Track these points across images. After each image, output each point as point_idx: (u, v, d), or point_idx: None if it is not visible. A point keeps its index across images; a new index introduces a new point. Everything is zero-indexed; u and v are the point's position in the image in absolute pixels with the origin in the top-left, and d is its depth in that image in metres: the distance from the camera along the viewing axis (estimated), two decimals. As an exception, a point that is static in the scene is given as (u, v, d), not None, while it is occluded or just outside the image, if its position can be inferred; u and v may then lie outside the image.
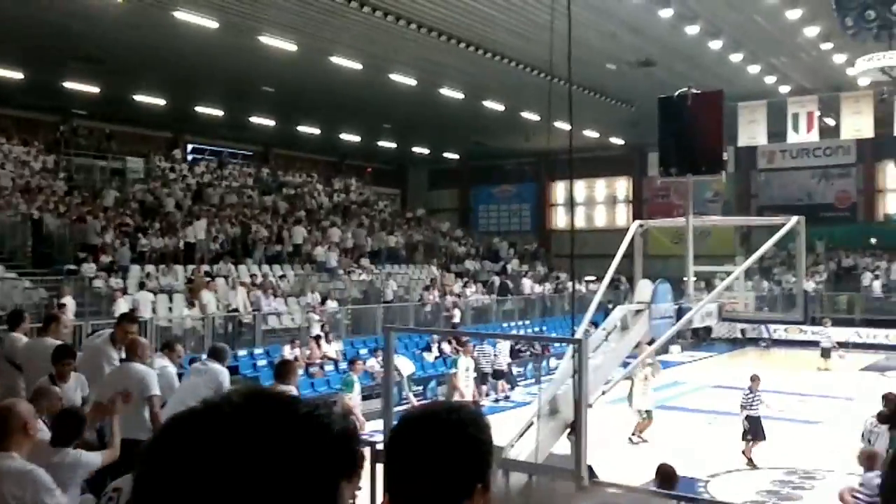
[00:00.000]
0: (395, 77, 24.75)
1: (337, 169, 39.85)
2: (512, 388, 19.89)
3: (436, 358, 20.32)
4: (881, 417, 9.36)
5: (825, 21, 19.87)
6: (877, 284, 30.50)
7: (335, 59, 22.71)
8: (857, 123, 24.87)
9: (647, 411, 14.62)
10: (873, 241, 33.18)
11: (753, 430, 12.98)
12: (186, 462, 0.86)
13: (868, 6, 17.91)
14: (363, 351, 18.78)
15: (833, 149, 34.61)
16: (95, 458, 5.09)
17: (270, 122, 31.60)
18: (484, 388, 19.00)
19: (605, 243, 9.24)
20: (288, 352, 17.08)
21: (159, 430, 0.93)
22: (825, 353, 23.65)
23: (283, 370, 7.86)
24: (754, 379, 13.51)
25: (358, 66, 23.31)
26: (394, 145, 38.05)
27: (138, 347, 6.97)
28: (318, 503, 0.91)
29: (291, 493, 0.88)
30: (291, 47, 21.42)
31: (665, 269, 14.44)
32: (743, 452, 13.05)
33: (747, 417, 13.03)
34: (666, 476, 7.44)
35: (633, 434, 14.61)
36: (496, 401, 18.81)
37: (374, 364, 16.72)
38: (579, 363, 5.64)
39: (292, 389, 7.43)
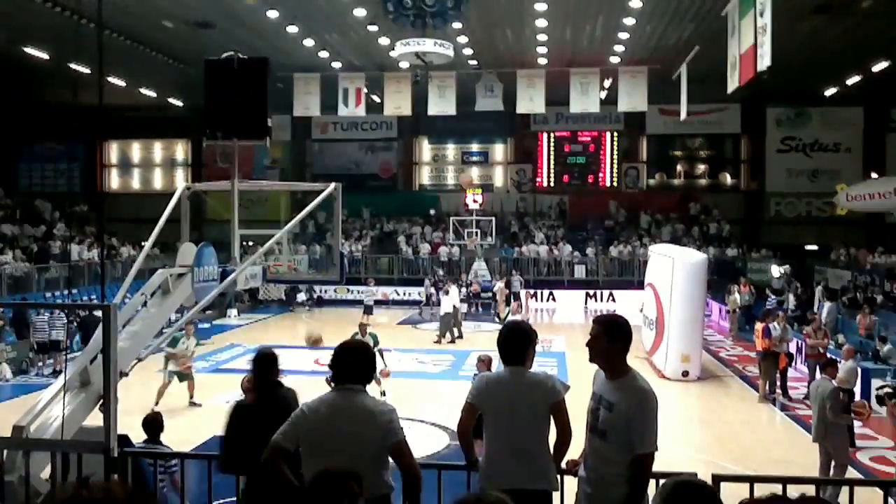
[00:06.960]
0: None
1: None
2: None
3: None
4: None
5: (371, 5, 21.36)
6: (409, 248, 34.24)
7: None
8: (398, 102, 27.21)
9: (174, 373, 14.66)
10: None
11: None
12: None
13: (406, -6, 19.66)
14: None
15: (378, 124, 37.82)
16: None
17: None
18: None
19: (162, 207, 8.90)
20: None
21: None
22: (368, 310, 25.73)
23: None
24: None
25: None
26: None
27: None
28: None
29: None
30: None
31: (221, 233, 14.38)
32: None
33: None
34: (150, 423, 7.55)
35: (192, 397, 14.68)
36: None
37: None
38: (105, 329, 5.43)
39: None
